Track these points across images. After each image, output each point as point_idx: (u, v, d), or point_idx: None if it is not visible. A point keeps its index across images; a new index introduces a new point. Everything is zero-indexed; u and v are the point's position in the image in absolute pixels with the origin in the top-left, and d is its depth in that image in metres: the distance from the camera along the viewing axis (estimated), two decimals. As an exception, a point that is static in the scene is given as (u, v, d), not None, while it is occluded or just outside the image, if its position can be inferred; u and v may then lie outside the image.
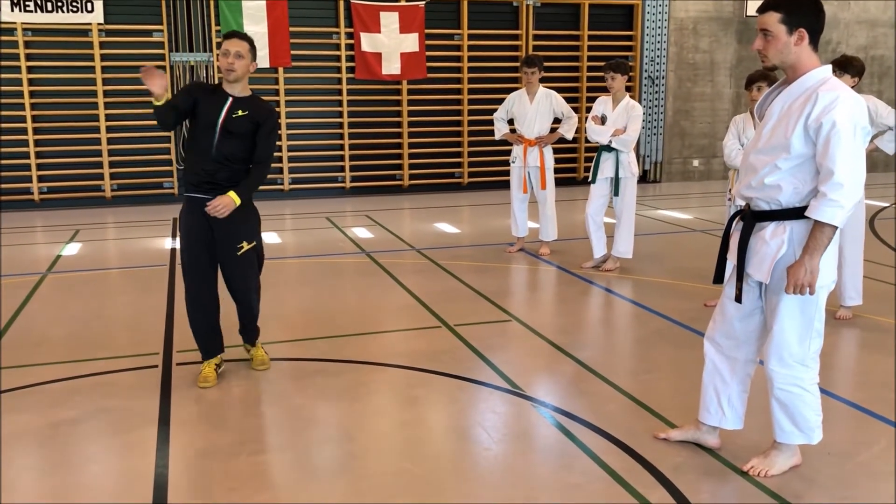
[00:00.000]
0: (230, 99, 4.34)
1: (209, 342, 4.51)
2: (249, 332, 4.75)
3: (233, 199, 4.25)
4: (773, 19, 2.97)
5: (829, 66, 3.04)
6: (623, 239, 6.98)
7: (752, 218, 3.13)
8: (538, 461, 3.53)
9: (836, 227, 2.91)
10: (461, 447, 3.69)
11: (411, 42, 11.89)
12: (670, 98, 13.31)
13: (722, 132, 13.52)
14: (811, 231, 2.94)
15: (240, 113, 4.31)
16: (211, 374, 4.44)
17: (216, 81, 4.40)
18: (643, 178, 12.68)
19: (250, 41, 4.37)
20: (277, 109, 11.63)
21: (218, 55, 4.31)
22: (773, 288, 3.11)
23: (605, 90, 7.01)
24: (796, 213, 3.01)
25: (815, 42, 3.00)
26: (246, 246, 4.43)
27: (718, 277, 3.43)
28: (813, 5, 2.99)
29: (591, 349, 5.05)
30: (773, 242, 3.04)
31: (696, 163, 13.70)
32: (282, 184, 11.79)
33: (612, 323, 5.87)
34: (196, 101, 4.35)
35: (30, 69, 10.74)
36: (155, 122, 4.45)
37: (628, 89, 6.91)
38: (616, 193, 6.93)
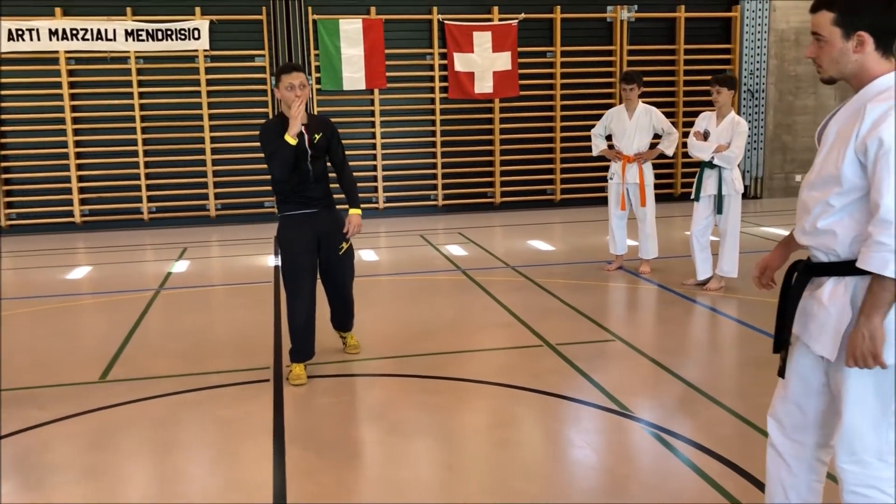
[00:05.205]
0: (302, 128, 4.70)
1: (309, 344, 4.89)
2: (347, 321, 5.31)
3: (358, 214, 4.96)
4: (826, 20, 2.35)
5: None
6: (728, 258, 6.78)
7: (806, 272, 2.49)
8: (651, 483, 3.46)
9: None
10: (566, 467, 3.66)
11: (504, 60, 11.94)
12: (771, 112, 12.92)
13: (826, 146, 13.01)
14: (868, 285, 2.29)
15: (317, 137, 4.78)
16: (303, 374, 4.82)
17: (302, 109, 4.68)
18: (744, 195, 12.30)
19: (304, 69, 4.70)
20: (372, 130, 11.89)
21: (281, 88, 4.61)
22: (838, 365, 2.42)
23: (701, 105, 6.89)
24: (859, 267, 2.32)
25: (885, 45, 2.34)
26: (345, 245, 4.98)
27: (780, 344, 2.61)
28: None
29: (699, 370, 4.92)
30: (833, 307, 2.39)
31: (798, 178, 13.21)
32: (376, 202, 12.00)
33: (719, 343, 5.71)
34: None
35: (141, 95, 11.32)
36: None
37: (727, 103, 6.72)
38: (719, 211, 6.76)
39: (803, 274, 2.50)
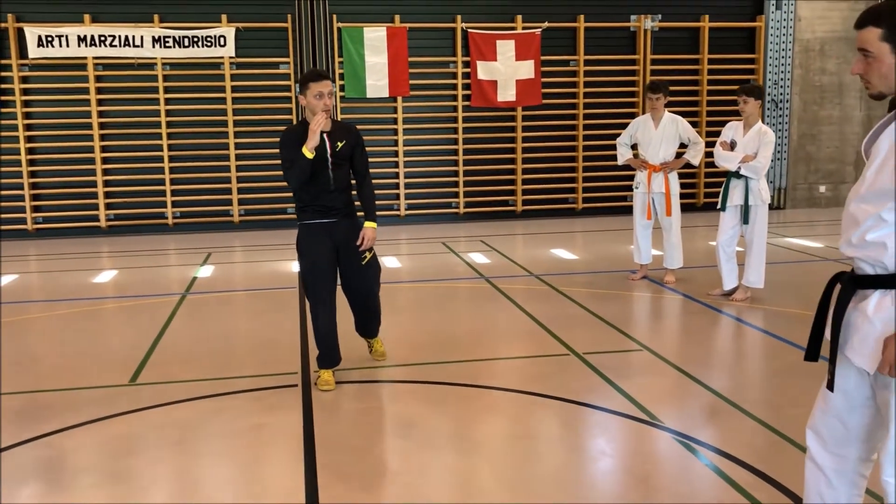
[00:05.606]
0: (325, 135, 4.69)
1: (335, 351, 4.90)
2: (371, 328, 5.28)
3: (374, 227, 4.89)
4: (873, 36, 2.33)
5: None
6: (754, 268, 6.75)
7: (851, 283, 2.45)
8: (681, 492, 3.44)
9: None
10: (595, 475, 3.65)
11: (527, 69, 11.96)
12: (795, 122, 12.84)
13: (851, 156, 12.94)
14: None
15: (339, 145, 4.75)
16: (332, 379, 4.84)
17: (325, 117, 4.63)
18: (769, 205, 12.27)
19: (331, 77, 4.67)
20: (395, 137, 11.94)
21: (308, 96, 4.62)
22: (885, 380, 2.39)
23: (725, 114, 6.87)
24: None
25: None
26: (368, 255, 4.96)
27: (812, 353, 2.61)
28: None
29: (726, 380, 4.90)
30: (878, 319, 2.35)
31: (822, 189, 13.13)
32: (398, 209, 12.03)
33: (745, 354, 5.67)
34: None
35: (167, 101, 11.44)
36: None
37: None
38: (745, 221, 6.72)
39: (848, 286, 2.46)
